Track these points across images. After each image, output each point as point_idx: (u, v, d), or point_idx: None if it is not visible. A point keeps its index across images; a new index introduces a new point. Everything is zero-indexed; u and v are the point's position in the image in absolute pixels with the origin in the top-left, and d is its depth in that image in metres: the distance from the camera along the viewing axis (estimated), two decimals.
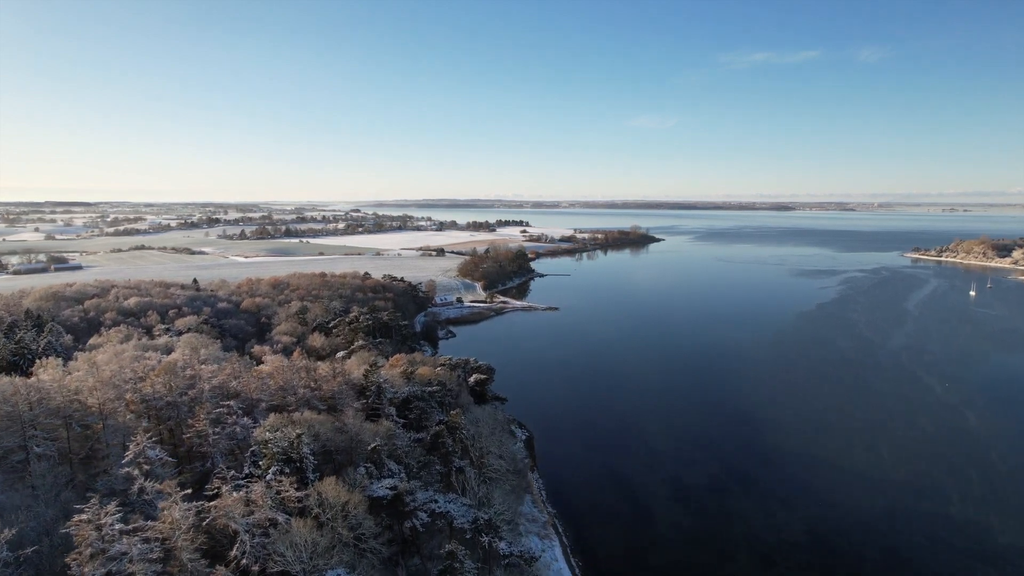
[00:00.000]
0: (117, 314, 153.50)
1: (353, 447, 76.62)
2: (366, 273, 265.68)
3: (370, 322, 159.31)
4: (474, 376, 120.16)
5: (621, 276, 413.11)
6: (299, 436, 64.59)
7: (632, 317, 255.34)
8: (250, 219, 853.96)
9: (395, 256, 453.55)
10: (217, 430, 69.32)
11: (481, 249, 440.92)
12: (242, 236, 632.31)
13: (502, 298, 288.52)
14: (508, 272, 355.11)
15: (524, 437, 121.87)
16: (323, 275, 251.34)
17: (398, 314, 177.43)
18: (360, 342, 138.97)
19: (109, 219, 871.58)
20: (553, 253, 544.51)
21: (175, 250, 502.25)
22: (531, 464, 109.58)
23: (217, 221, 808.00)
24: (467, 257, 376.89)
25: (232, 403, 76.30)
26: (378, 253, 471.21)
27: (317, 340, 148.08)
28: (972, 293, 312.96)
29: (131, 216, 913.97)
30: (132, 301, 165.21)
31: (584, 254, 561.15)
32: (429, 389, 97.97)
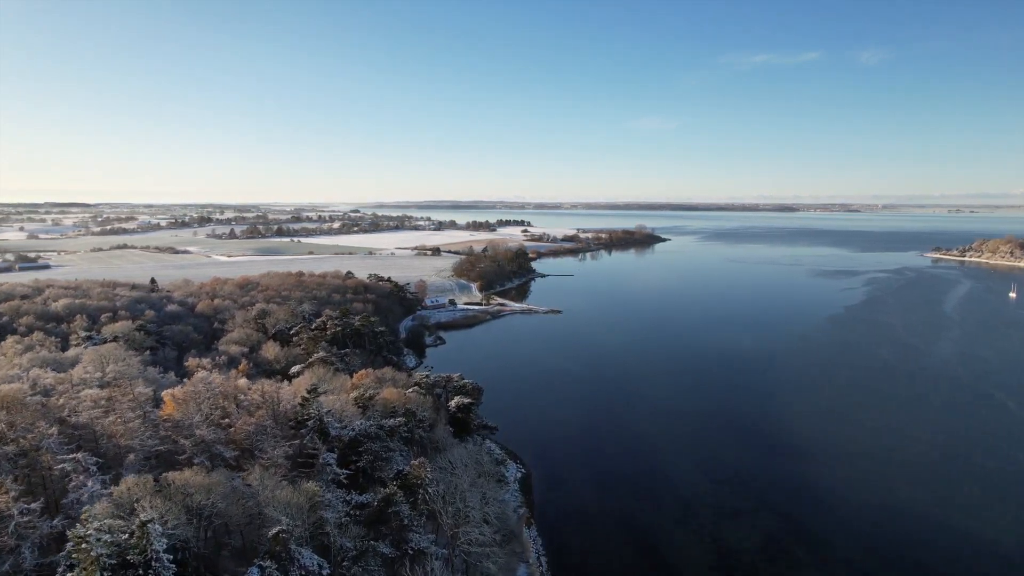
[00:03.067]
0: (36, 319, 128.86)
1: (263, 523, 51.69)
2: (348, 272, 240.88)
3: (339, 328, 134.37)
4: (456, 399, 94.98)
5: (628, 277, 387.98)
6: (144, 526, 39.64)
7: (642, 322, 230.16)
8: (243, 219, 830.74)
9: (388, 255, 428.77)
10: (29, 507, 44.37)
11: (479, 248, 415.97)
12: (231, 235, 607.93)
13: (500, 300, 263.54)
14: (507, 272, 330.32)
15: (519, 475, 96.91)
16: (300, 274, 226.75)
17: (374, 319, 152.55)
18: (320, 354, 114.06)
19: (100, 219, 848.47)
20: (555, 253, 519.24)
21: (158, 249, 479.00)
22: (527, 517, 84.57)
23: (208, 220, 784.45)
24: (463, 256, 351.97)
25: (80, 456, 51.45)
26: (370, 252, 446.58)
27: (271, 350, 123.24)
28: (1012, 295, 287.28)
29: (122, 216, 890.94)
30: (61, 304, 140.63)
31: (587, 254, 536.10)
32: (390, 423, 72.96)
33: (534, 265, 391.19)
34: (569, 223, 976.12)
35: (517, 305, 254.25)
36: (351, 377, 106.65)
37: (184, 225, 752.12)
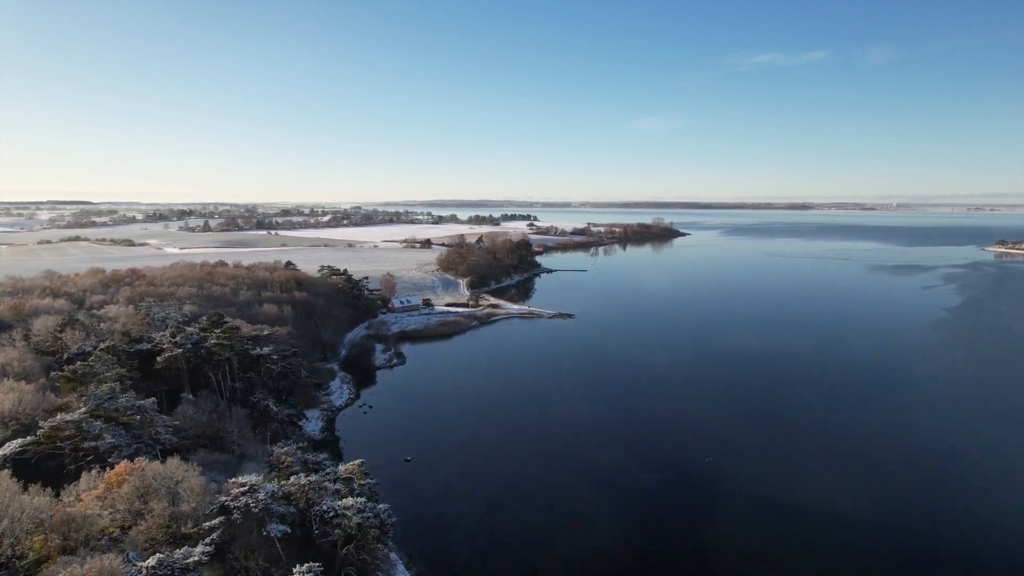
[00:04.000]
0: None
1: None
2: (288, 263, 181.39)
3: (179, 351, 74.04)
4: None
5: (653, 274, 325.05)
6: None
7: (686, 331, 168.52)
8: (229, 213, 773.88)
9: (370, 248, 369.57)
10: None
11: (475, 241, 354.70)
12: (205, 228, 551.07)
13: (492, 300, 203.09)
14: (505, 267, 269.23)
15: None
16: (218, 265, 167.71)
17: (254, 331, 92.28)
18: (77, 411, 53.66)
19: (78, 215, 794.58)
20: (564, 247, 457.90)
21: (113, 242, 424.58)
22: None
23: (189, 214, 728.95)
24: (450, 248, 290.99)
25: None
26: (350, 245, 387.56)
27: (10, 399, 62.77)
28: None
29: (102, 211, 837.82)
30: None
31: (600, 249, 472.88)
32: None
33: (539, 260, 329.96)
34: (578, 219, 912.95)
35: (515, 307, 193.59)
36: (106, 472, 46.92)
37: (162, 218, 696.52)
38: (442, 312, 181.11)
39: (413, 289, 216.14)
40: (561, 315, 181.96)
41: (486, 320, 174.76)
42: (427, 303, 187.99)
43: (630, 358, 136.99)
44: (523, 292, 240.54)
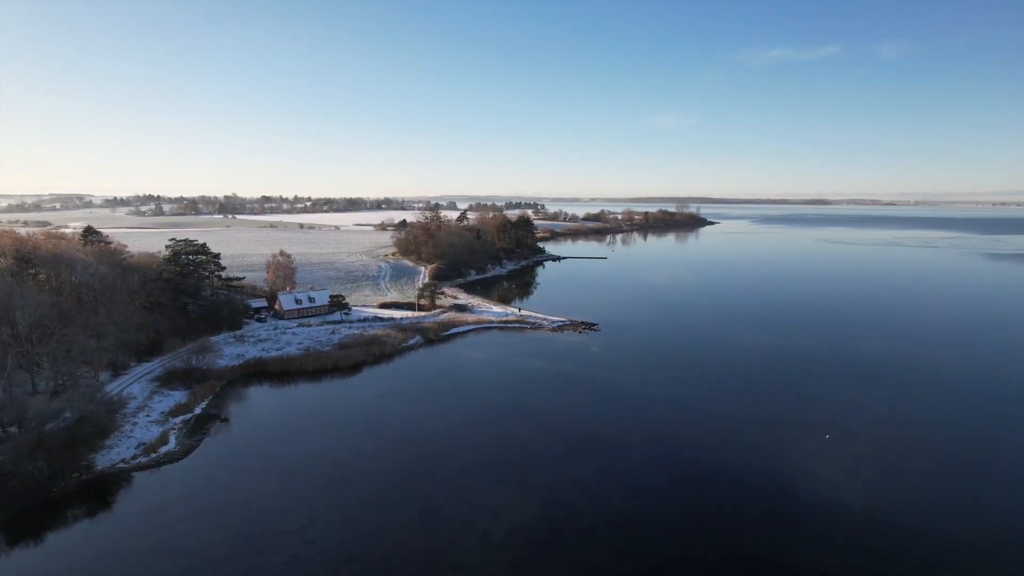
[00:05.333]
0: None
1: None
2: (88, 230, 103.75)
3: None
4: None
5: (696, 267, 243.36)
6: None
7: (806, 355, 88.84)
8: (208, 202, 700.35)
9: (329, 230, 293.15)
10: None
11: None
12: (157, 212, 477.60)
13: (463, 298, 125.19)
14: (493, 252, 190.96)
15: None
16: None
17: None
18: None
19: (30, 203, 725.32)
20: (574, 234, 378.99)
21: (25, 224, 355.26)
22: None
23: (157, 199, 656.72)
24: (414, 224, 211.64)
25: None
26: (302, 226, 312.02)
27: None
28: None
29: (72, 199, 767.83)
30: None
31: (618, 237, 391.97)
32: None
33: (545, 248, 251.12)
34: (591, 210, 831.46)
35: (497, 310, 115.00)
36: None
37: (122, 203, 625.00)
38: (363, 320, 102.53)
39: (343, 280, 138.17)
40: (575, 325, 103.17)
41: (439, 334, 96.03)
42: (338, 302, 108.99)
43: (738, 437, 57.76)
44: (519, 287, 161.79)
